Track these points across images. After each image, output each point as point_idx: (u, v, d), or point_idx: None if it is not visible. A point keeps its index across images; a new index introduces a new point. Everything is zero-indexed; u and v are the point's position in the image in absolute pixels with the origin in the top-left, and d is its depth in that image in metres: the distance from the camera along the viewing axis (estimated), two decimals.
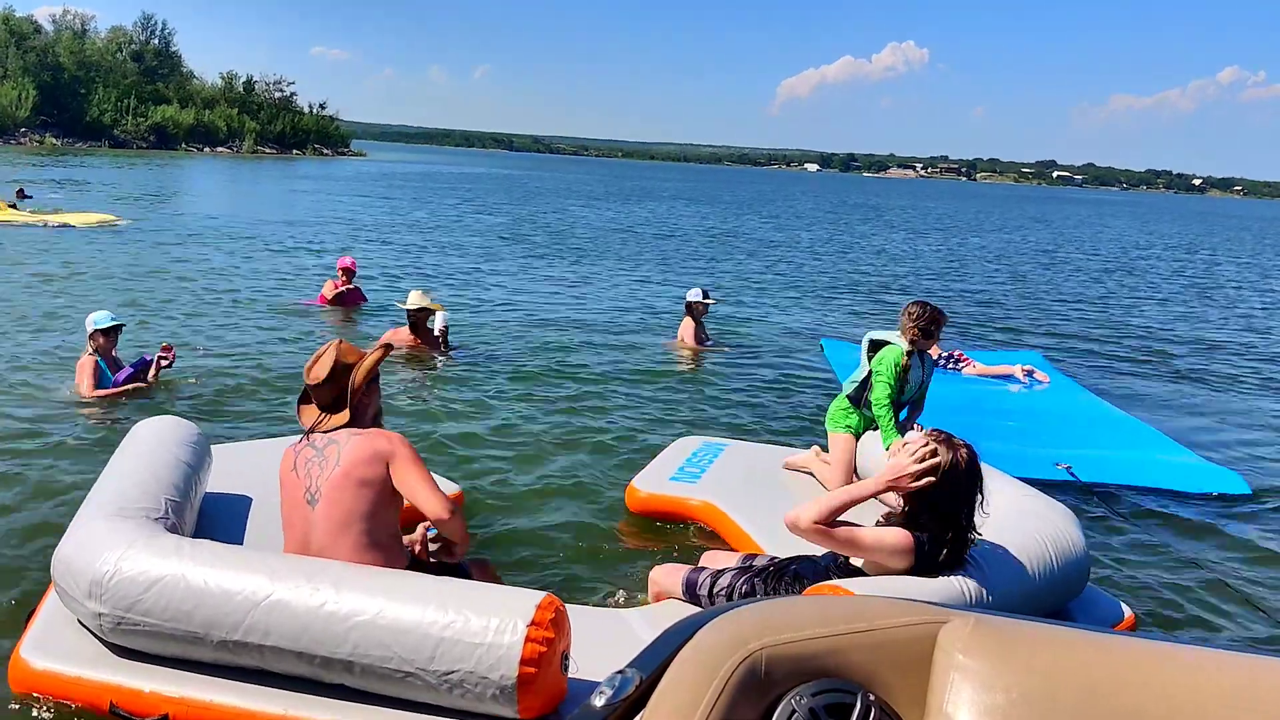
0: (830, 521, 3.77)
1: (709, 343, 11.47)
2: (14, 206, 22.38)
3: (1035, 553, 4.15)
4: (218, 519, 4.66)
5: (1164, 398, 10.73)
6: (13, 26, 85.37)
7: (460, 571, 3.97)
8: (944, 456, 3.72)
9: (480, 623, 3.16)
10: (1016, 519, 4.39)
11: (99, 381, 7.75)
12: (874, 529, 3.84)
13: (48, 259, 15.61)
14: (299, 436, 3.98)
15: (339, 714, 3.29)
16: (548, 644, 3.15)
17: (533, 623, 3.15)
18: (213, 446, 5.09)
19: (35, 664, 3.52)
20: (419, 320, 9.83)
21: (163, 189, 37.23)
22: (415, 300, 9.79)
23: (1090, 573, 4.54)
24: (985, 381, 10.15)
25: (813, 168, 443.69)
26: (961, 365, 10.49)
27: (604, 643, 3.79)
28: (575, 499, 6.31)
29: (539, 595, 3.28)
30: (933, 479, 3.73)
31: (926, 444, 3.77)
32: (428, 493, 3.69)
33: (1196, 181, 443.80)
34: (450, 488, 5.57)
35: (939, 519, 3.76)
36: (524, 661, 3.11)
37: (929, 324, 5.82)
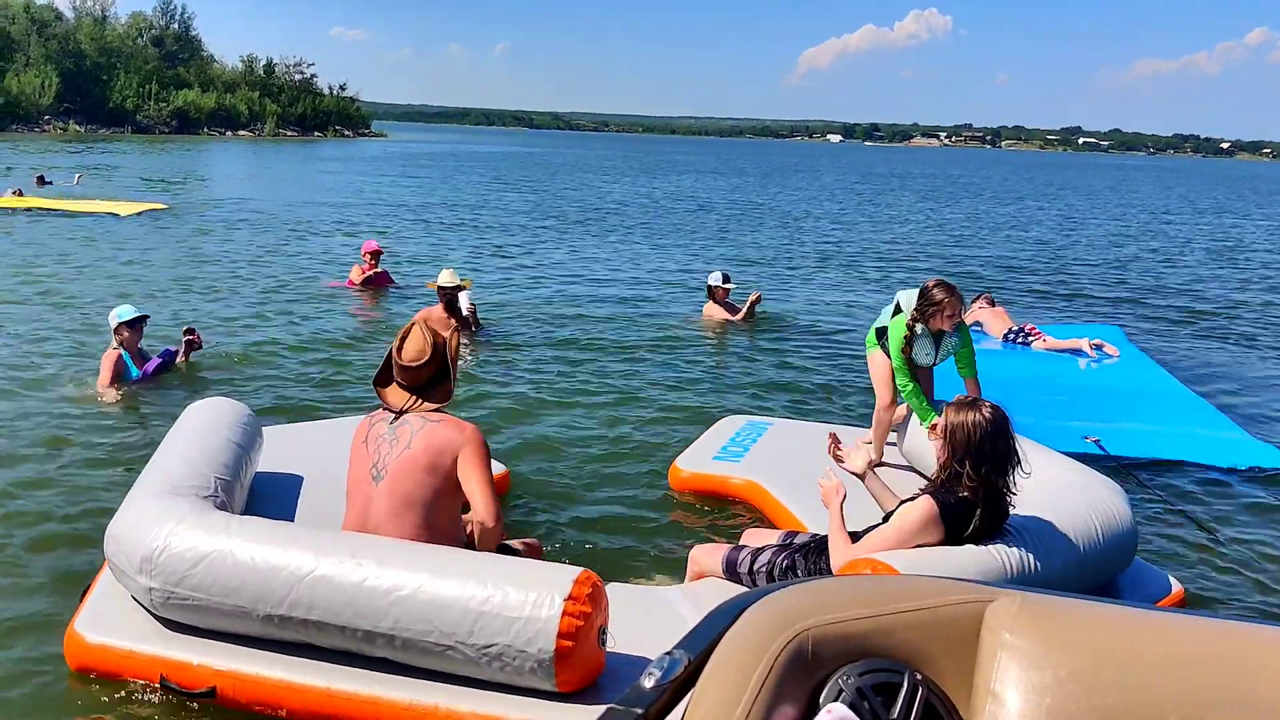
0: (851, 545, 3.91)
1: (739, 316, 11.52)
2: (18, 193, 22.45)
3: (1080, 525, 4.15)
4: (268, 498, 4.76)
5: (1221, 368, 10.55)
6: (34, 14, 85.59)
7: (510, 552, 4.00)
8: (963, 418, 3.76)
9: (518, 597, 3.23)
10: (1060, 492, 4.39)
11: (123, 375, 7.68)
12: (895, 520, 3.88)
13: (81, 245, 15.78)
14: (367, 413, 4.00)
15: (381, 687, 3.38)
16: (584, 618, 3.22)
17: (570, 597, 3.21)
18: (263, 428, 5.20)
19: (89, 638, 3.64)
20: (451, 298, 9.86)
21: (189, 173, 37.40)
22: (446, 278, 9.81)
23: (1138, 546, 4.53)
24: (1048, 356, 9.94)
25: (835, 139, 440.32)
26: (1032, 339, 10.30)
27: (644, 619, 3.86)
28: (616, 477, 6.37)
29: (576, 570, 3.34)
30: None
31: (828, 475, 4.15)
32: (482, 495, 3.72)
33: (1224, 145, 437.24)
34: (495, 468, 5.64)
35: (968, 482, 3.77)
36: (561, 635, 3.18)
37: (926, 305, 5.70)
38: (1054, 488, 4.45)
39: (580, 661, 3.25)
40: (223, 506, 3.94)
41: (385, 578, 3.34)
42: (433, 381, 3.87)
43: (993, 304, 11.21)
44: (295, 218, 22.11)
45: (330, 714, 3.40)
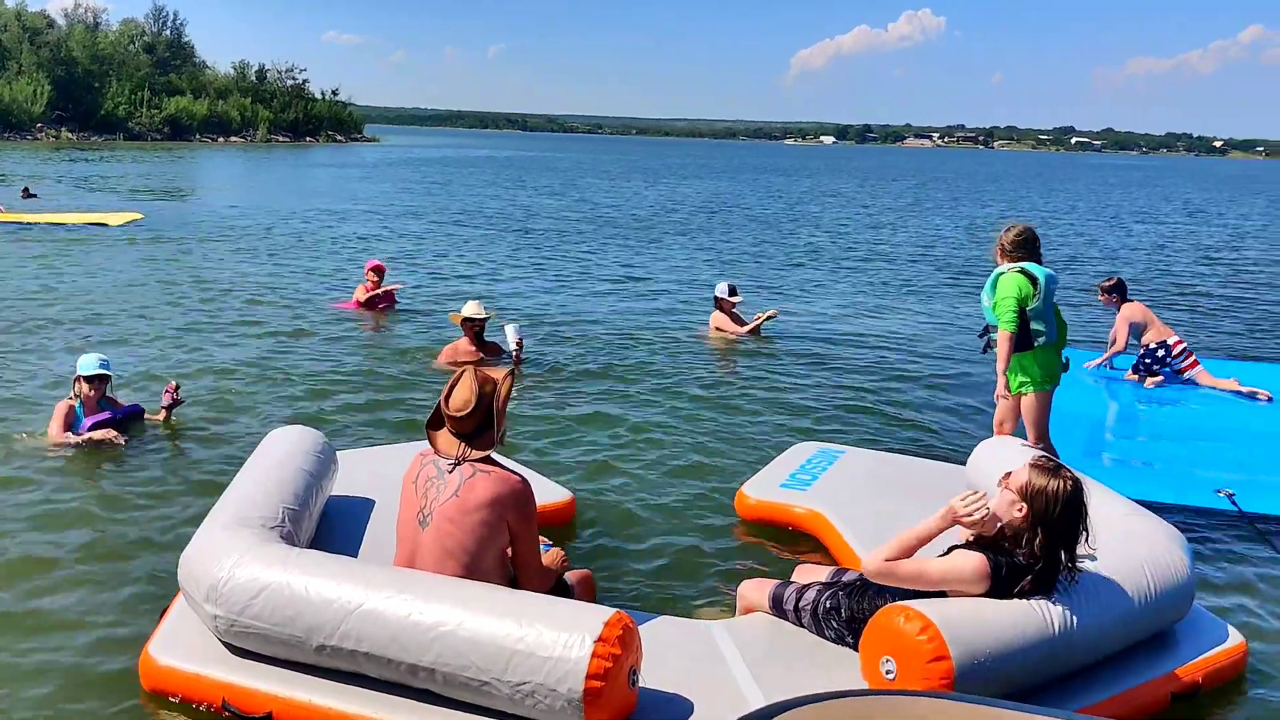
0: (900, 557, 3.85)
1: (745, 329, 11.72)
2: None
3: (1133, 578, 4.09)
4: (339, 523, 5.01)
5: None
6: (26, 22, 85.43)
7: (562, 585, 4.19)
8: (1044, 484, 3.76)
9: (551, 637, 3.38)
10: (1114, 541, 4.33)
11: (73, 427, 7.10)
12: (944, 561, 3.86)
13: (67, 263, 15.74)
14: (423, 443, 4.14)
15: (420, 718, 3.57)
16: (614, 660, 3.34)
17: (600, 639, 3.35)
18: (338, 453, 5.46)
19: (160, 660, 3.92)
20: (478, 330, 9.63)
21: (181, 183, 37.44)
22: (473, 309, 9.60)
23: (1195, 595, 4.42)
24: (1200, 395, 9.27)
25: (829, 140, 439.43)
26: (1184, 366, 9.56)
27: (684, 655, 4.03)
28: (675, 505, 6.35)
29: (608, 612, 3.48)
30: (986, 524, 3.82)
31: (978, 494, 3.87)
32: (528, 562, 3.99)
33: (1218, 144, 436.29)
34: (561, 494, 5.82)
35: (1034, 549, 3.77)
36: (590, 676, 3.30)
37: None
38: (1108, 538, 4.31)
39: (609, 702, 3.36)
40: (288, 536, 4.19)
41: (429, 613, 3.52)
42: (478, 429, 3.95)
43: (1124, 296, 10.08)
44: (294, 230, 22.05)
45: None
